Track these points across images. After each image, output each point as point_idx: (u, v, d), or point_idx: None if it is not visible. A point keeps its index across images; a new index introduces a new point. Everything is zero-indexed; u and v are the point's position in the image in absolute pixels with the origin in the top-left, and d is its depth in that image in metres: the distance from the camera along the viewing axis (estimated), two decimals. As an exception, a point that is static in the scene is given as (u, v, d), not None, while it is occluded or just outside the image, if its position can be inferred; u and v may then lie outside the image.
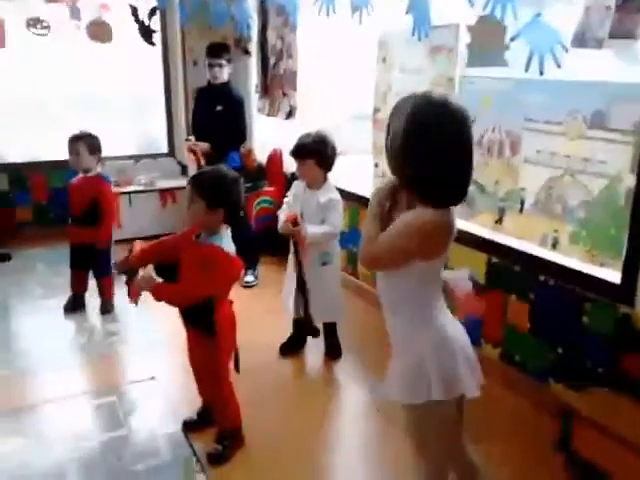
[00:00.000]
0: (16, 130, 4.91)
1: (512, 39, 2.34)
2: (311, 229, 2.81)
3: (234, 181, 2.19)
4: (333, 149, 2.88)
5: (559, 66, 2.20)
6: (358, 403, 2.84)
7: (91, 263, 3.60)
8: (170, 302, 2.19)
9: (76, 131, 3.46)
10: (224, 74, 4.11)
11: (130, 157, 5.37)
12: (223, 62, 4.08)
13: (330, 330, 3.17)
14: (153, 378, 2.92)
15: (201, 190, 2.13)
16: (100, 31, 4.17)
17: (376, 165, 3.68)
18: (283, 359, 3.13)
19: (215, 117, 4.06)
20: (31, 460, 2.34)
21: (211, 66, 4.06)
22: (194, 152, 4.02)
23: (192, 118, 4.38)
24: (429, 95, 1.46)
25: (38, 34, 4.13)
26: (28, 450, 2.40)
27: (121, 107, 5.37)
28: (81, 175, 3.51)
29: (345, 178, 3.64)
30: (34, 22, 4.09)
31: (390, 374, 1.64)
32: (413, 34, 2.96)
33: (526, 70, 2.29)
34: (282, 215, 2.91)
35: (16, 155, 4.99)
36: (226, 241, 2.19)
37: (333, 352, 3.16)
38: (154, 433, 2.50)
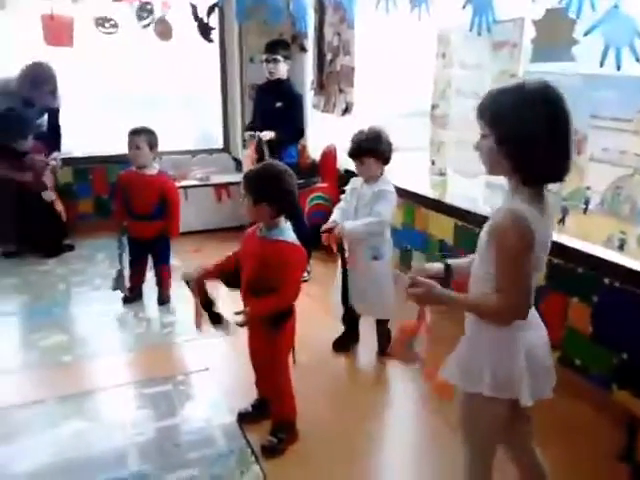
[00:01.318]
0: (81, 126, 5.08)
1: (587, 33, 2.26)
2: (350, 225, 2.81)
3: (278, 176, 2.19)
4: (389, 143, 2.88)
5: (638, 60, 2.11)
6: (410, 401, 2.82)
7: (152, 255, 3.70)
8: (270, 314, 2.20)
9: (137, 126, 3.54)
10: (280, 70, 4.14)
11: (187, 152, 5.48)
12: (278, 57, 4.11)
13: (382, 327, 3.15)
14: (207, 369, 2.98)
15: (248, 186, 2.19)
16: (163, 29, 4.26)
17: (433, 162, 3.63)
18: (336, 355, 3.14)
19: (274, 113, 4.11)
20: (92, 442, 2.42)
21: (267, 61, 4.12)
22: (257, 150, 4.03)
23: (252, 115, 4.44)
24: (546, 82, 1.43)
25: (107, 32, 4.26)
26: (89, 433, 2.49)
27: (179, 103, 5.50)
28: (136, 171, 3.55)
29: (400, 175, 3.61)
30: (103, 21, 4.22)
31: (453, 353, 1.64)
32: (471, 29, 2.92)
33: (601, 65, 2.21)
34: (335, 212, 2.94)
35: (80, 150, 5.16)
36: (288, 233, 2.22)
37: (385, 349, 3.14)
38: (208, 423, 2.55)
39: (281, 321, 2.23)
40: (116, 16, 4.30)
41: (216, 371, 2.96)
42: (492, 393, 1.51)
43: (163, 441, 2.43)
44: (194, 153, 5.51)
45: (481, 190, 3.23)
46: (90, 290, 3.99)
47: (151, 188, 3.53)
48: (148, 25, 4.17)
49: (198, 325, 2.34)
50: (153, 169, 3.58)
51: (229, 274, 2.33)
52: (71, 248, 4.72)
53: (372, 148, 2.84)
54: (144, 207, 3.55)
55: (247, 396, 2.57)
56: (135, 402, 2.72)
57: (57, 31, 3.93)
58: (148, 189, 3.53)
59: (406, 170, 3.86)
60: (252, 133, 4.09)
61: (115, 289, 3.69)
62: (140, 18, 4.12)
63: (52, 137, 4.58)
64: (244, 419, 2.53)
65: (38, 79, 4.26)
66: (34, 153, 4.41)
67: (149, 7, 4.12)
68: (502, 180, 1.58)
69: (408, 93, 4.13)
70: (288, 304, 2.23)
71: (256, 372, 2.46)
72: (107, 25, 4.22)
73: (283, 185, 2.18)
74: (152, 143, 3.51)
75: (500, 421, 1.60)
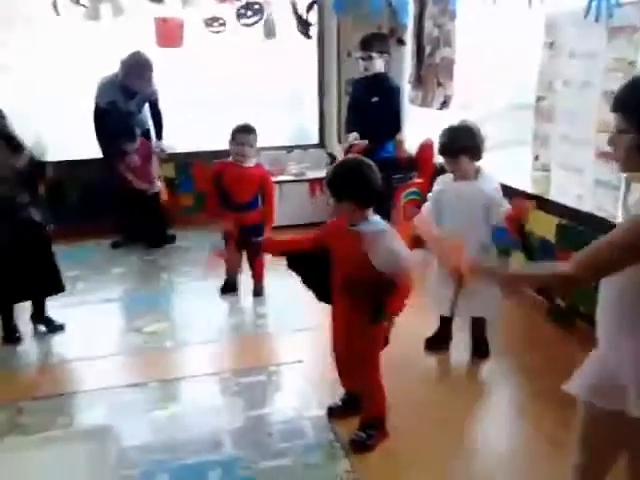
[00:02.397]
0: (185, 122, 5.31)
1: None
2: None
3: (355, 171, 2.15)
4: (481, 138, 2.75)
5: None
6: (504, 406, 2.71)
7: (246, 246, 3.77)
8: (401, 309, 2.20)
9: (241, 123, 3.61)
10: (375, 66, 4.11)
11: (283, 148, 5.58)
12: (373, 54, 4.08)
13: (479, 327, 3.03)
14: (300, 361, 3.01)
15: (329, 184, 2.18)
16: (269, 28, 4.36)
17: (536, 157, 3.45)
18: (428, 353, 3.07)
19: (371, 108, 4.08)
20: (188, 425, 2.53)
21: (361, 59, 4.10)
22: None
23: (347, 110, 4.44)
24: None
25: (215, 32, 4.43)
26: (185, 416, 2.60)
27: (277, 99, 5.60)
28: (233, 162, 3.63)
29: (498, 170, 3.47)
30: (211, 21, 4.40)
31: (584, 369, 1.53)
32: (586, 16, 2.74)
33: None
34: (423, 213, 2.85)
35: (183, 145, 5.40)
36: (379, 222, 2.20)
37: (480, 351, 3.03)
38: (299, 415, 2.58)
39: (379, 309, 2.19)
40: (224, 16, 4.45)
41: (307, 364, 2.99)
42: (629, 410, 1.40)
43: (255, 429, 2.49)
44: (290, 149, 5.59)
45: (588, 187, 3.03)
46: (190, 280, 4.16)
47: (249, 179, 3.62)
48: (253, 24, 4.26)
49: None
50: (250, 162, 3.67)
51: (294, 255, 2.40)
52: (173, 239, 4.95)
53: (467, 145, 2.71)
54: (242, 197, 3.63)
55: (337, 390, 2.57)
56: (230, 390, 2.81)
57: (168, 33, 4.14)
58: (246, 180, 3.62)
59: (504, 165, 3.70)
60: (348, 145, 4.07)
61: (225, 292, 3.83)
62: (243, 17, 4.23)
63: (155, 127, 4.81)
64: (333, 413, 2.53)
65: (139, 67, 4.47)
66: (140, 151, 4.66)
67: (256, 7, 4.22)
68: (611, 176, 1.46)
69: (510, 85, 3.96)
70: (410, 291, 2.18)
71: (344, 367, 2.45)
72: (215, 25, 4.38)
73: (362, 179, 2.14)
74: (254, 141, 3.61)
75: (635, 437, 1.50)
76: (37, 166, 3.15)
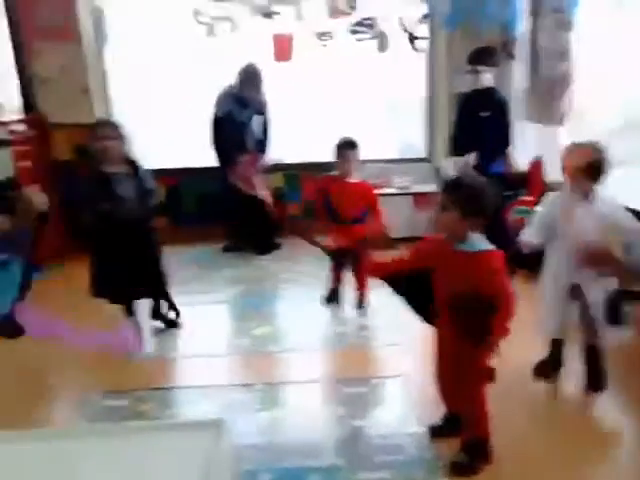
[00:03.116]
0: (293, 133, 5.48)
1: None
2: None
3: (488, 190, 2.15)
4: (607, 160, 2.60)
5: None
6: (617, 448, 2.54)
7: (352, 259, 3.80)
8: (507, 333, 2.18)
9: (346, 137, 3.67)
10: (483, 80, 4.05)
11: (388, 161, 5.60)
12: (481, 68, 4.02)
13: (594, 353, 2.83)
14: (400, 376, 3.03)
15: (456, 199, 2.14)
16: (382, 42, 4.42)
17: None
18: (536, 380, 2.96)
19: (481, 123, 4.03)
20: (290, 430, 2.62)
21: (470, 73, 4.06)
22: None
23: (455, 124, 4.40)
24: None
25: (325, 45, 4.58)
26: (288, 421, 2.70)
27: (384, 112, 5.66)
28: (338, 177, 3.68)
29: (622, 192, 3.29)
30: (322, 35, 4.56)
31: None
32: None
33: None
34: (531, 230, 2.77)
35: (291, 156, 5.58)
36: (484, 242, 2.18)
37: (595, 382, 2.82)
38: (399, 429, 2.59)
39: (485, 329, 2.15)
40: (333, 30, 4.58)
41: (408, 378, 3.00)
42: None
43: (356, 440, 2.53)
44: (396, 162, 5.61)
45: None
46: (295, 287, 4.30)
47: (355, 194, 3.66)
48: (366, 39, 4.34)
49: None
50: (355, 177, 3.71)
51: (396, 277, 2.38)
52: (279, 247, 5.12)
53: (593, 166, 2.60)
54: (348, 212, 3.68)
55: (437, 408, 2.55)
56: (332, 399, 2.87)
57: (283, 48, 4.33)
58: (352, 195, 3.66)
59: (624, 186, 3.50)
60: (457, 160, 4.03)
61: (329, 302, 3.91)
62: (356, 33, 4.32)
63: (263, 137, 4.97)
64: (434, 433, 2.52)
65: (253, 78, 4.69)
66: (250, 161, 4.87)
67: (369, 22, 4.30)
68: None
69: (633, 100, 3.76)
70: (513, 313, 2.15)
71: (447, 389, 2.43)
72: (326, 38, 4.53)
73: (477, 189, 2.14)
74: (358, 155, 3.65)
75: None
76: (149, 192, 3.36)
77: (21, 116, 4.75)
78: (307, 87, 5.41)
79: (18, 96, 4.90)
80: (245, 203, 4.90)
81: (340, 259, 3.87)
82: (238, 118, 4.77)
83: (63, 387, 3.06)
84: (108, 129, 3.23)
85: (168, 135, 5.34)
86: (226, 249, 5.07)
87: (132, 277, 3.31)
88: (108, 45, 5.11)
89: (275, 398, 2.90)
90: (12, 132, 4.55)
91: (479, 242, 2.17)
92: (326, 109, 5.55)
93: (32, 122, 4.70)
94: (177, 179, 5.28)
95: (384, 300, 3.36)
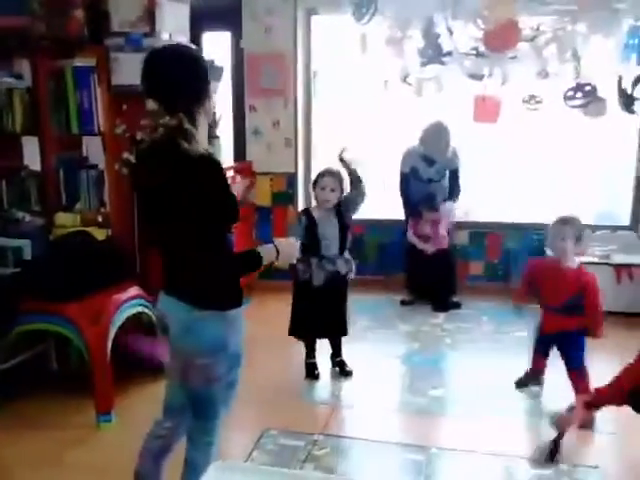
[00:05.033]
0: (484, 191, 5.39)
1: None
2: None
3: None
4: None
5: None
6: None
7: (561, 354, 3.32)
8: None
9: (565, 215, 3.29)
10: None
11: (587, 226, 5.19)
12: None
13: None
14: (596, 467, 2.70)
15: None
16: (598, 108, 4.17)
17: None
18: None
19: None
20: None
21: None
22: None
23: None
24: None
25: (531, 109, 4.46)
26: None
27: (584, 176, 5.31)
28: (553, 261, 3.33)
29: None
30: (529, 98, 4.45)
31: None
32: None
33: None
34: None
35: (478, 214, 5.44)
36: None
37: None
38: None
39: None
40: (541, 93, 4.43)
41: (604, 470, 2.66)
42: None
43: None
44: (595, 228, 5.19)
45: None
46: (473, 349, 4.11)
47: (568, 279, 3.23)
48: (581, 106, 4.11)
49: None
50: (573, 262, 3.26)
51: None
52: (458, 306, 4.96)
53: None
54: (556, 299, 3.26)
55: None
56: (516, 477, 2.65)
57: (486, 109, 4.30)
58: (564, 280, 3.23)
59: None
60: None
61: (522, 386, 3.50)
62: (571, 99, 4.11)
63: (449, 193, 4.91)
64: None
65: (436, 135, 4.68)
66: (432, 218, 4.82)
67: (588, 88, 4.07)
68: None
69: None
70: None
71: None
72: (532, 102, 4.40)
73: None
74: (580, 235, 3.24)
75: None
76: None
77: (231, 164, 5.26)
78: (511, 149, 5.30)
79: (231, 146, 5.45)
80: (425, 259, 4.86)
81: (547, 346, 3.39)
82: (424, 175, 4.81)
83: (243, 419, 3.09)
84: (330, 178, 3.46)
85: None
86: (404, 302, 5.04)
87: (321, 315, 3.52)
88: (316, 101, 5.52)
89: (447, 465, 2.75)
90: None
91: None
92: (527, 171, 5.36)
93: (240, 170, 5.18)
94: (362, 227, 5.43)
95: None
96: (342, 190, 3.48)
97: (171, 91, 1.81)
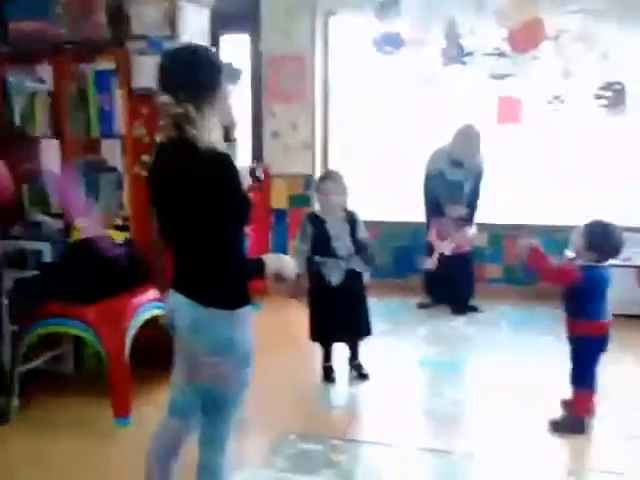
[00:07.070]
0: (508, 195, 5.31)
1: None
2: None
3: None
4: None
5: None
6: None
7: None
8: None
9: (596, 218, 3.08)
10: None
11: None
12: None
13: None
14: (622, 474, 2.65)
15: None
16: (620, 106, 4.10)
17: None
18: None
19: None
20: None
21: None
22: None
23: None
24: None
25: (554, 110, 4.41)
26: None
27: (612, 178, 5.22)
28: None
29: None
30: (553, 99, 4.39)
31: None
32: None
33: None
34: None
35: (497, 216, 5.37)
36: None
37: None
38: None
39: None
40: (565, 93, 4.37)
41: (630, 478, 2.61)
42: None
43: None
44: (626, 230, 5.09)
45: None
46: (493, 353, 4.06)
47: None
48: (608, 105, 4.03)
49: None
50: None
51: None
52: (476, 309, 4.91)
53: None
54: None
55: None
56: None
57: (509, 110, 4.26)
58: None
59: None
60: None
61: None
62: (600, 97, 4.04)
63: (470, 197, 4.84)
64: None
65: (470, 139, 4.63)
66: (451, 221, 4.77)
67: (617, 87, 3.98)
68: None
69: None
70: None
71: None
72: (556, 102, 4.35)
73: None
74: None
75: None
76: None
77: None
78: (535, 150, 5.20)
79: (249, 148, 5.45)
80: (443, 261, 4.81)
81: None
82: (449, 177, 4.76)
83: (261, 424, 3.05)
84: (331, 183, 3.43)
85: (376, 188, 5.51)
86: (421, 305, 5.00)
87: (342, 318, 3.48)
88: (333, 105, 5.54)
89: (470, 469, 2.72)
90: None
91: None
92: (551, 173, 5.28)
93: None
94: (377, 230, 5.39)
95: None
96: (346, 191, 3.44)
97: (177, 82, 1.82)
